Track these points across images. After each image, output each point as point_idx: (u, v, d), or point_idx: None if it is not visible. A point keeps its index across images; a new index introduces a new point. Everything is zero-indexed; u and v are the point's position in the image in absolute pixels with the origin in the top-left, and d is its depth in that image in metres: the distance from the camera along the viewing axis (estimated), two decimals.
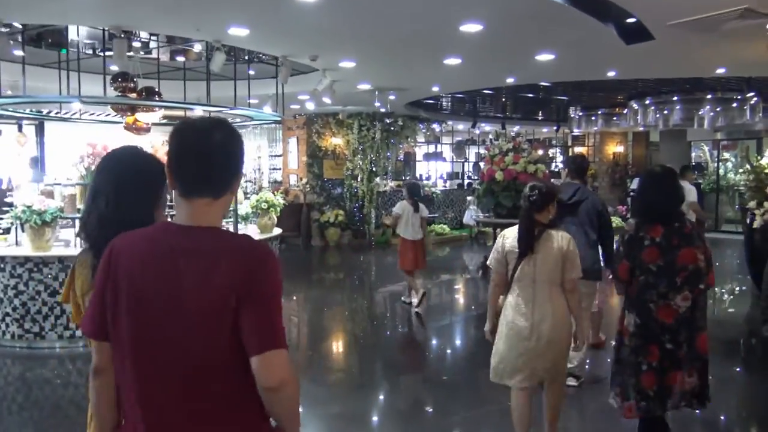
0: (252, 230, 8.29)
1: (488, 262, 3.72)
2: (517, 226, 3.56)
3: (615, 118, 14.93)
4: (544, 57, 7.49)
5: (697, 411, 3.57)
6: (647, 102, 11.76)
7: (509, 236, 3.57)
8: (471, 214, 15.03)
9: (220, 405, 1.51)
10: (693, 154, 19.56)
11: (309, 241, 14.51)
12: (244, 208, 8.18)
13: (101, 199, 2.00)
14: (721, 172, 18.40)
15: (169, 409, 1.52)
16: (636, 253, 3.24)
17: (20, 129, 15.55)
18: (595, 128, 15.54)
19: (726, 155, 18.94)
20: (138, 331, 1.52)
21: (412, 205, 7.88)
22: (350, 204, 14.90)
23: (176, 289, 1.49)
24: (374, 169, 14.75)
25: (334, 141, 14.81)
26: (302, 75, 9.43)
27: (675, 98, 11.31)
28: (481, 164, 11.25)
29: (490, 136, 13.57)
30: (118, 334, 1.55)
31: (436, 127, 17.24)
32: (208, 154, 1.55)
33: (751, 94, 11.09)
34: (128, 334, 1.52)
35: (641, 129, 17.98)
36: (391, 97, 10.93)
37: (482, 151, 15.13)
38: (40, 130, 15.86)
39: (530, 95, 12.22)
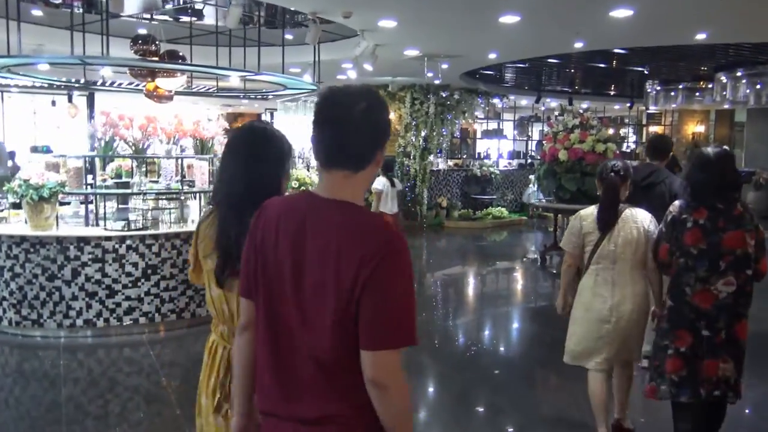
0: None
1: (561, 244, 3.74)
2: (593, 207, 3.54)
3: (697, 94, 13.38)
4: (621, 13, 6.28)
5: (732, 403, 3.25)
6: (738, 74, 10.25)
7: (587, 218, 3.52)
8: (532, 193, 13.89)
9: (334, 384, 1.48)
10: None
11: None
12: None
13: (232, 170, 2.07)
14: None
15: (289, 377, 1.51)
16: (678, 234, 3.12)
17: (70, 99, 15.35)
18: (674, 105, 13.98)
19: None
20: (267, 299, 1.55)
21: (388, 180, 8.37)
22: (402, 183, 13.99)
23: (299, 263, 1.48)
24: (428, 146, 13.77)
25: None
26: (345, 40, 8.54)
27: None
28: (543, 143, 10.09)
29: (556, 113, 12.31)
30: (257, 297, 1.59)
31: (497, 101, 16.04)
32: (346, 124, 1.48)
33: None
34: (261, 300, 1.57)
35: (727, 106, 16.30)
36: (444, 66, 9.88)
37: (546, 128, 13.90)
38: (90, 102, 15.63)
39: (602, 65, 10.87)
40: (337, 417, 1.47)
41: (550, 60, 10.40)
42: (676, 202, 3.22)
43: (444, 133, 13.93)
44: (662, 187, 4.44)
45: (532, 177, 14.57)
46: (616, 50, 9.31)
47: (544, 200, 10.27)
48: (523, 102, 17.24)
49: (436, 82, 12.67)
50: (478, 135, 18.63)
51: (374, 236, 1.44)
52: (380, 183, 8.21)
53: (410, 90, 13.28)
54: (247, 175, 2.01)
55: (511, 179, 16.31)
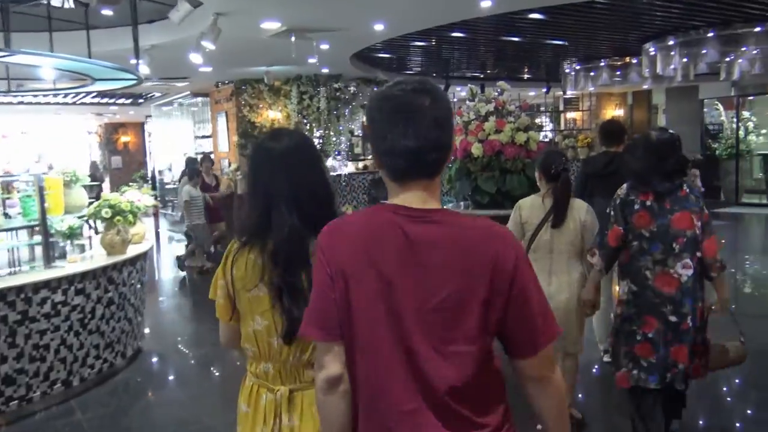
0: (95, 252, 5.35)
1: None
2: (532, 197, 3.62)
3: (618, 72, 11.99)
4: None
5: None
6: (671, 42, 8.78)
7: (525, 207, 3.60)
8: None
9: (465, 406, 1.35)
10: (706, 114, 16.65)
11: None
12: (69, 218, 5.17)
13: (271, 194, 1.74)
14: (740, 134, 15.72)
15: (422, 411, 1.34)
16: (627, 216, 3.11)
17: None
18: (592, 88, 12.57)
19: (746, 114, 16.12)
20: (384, 326, 1.34)
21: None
22: None
23: (417, 286, 1.32)
24: (324, 147, 11.76)
25: (271, 114, 11.78)
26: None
27: (710, 34, 8.33)
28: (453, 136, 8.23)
29: (466, 100, 10.56)
30: (357, 333, 1.37)
31: None
32: (416, 127, 1.33)
33: None
34: (373, 331, 1.35)
35: (646, 87, 15.20)
36: (324, 47, 7.89)
37: (456, 118, 12.12)
38: None
39: (515, 39, 9.16)
40: None
41: (455, 35, 8.58)
42: (623, 185, 3.20)
43: (341, 130, 11.96)
44: (624, 175, 4.14)
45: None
46: (532, 16, 7.56)
47: (462, 206, 8.44)
48: None
49: (324, 70, 10.66)
50: None
51: (495, 239, 1.35)
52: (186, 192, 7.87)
53: (296, 82, 11.22)
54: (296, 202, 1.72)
55: None
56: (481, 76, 13.26)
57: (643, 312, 3.09)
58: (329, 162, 12.17)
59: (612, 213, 3.18)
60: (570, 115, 18.33)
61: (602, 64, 11.33)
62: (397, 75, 12.53)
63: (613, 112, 17.11)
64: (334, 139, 11.90)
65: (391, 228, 1.35)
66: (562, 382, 1.46)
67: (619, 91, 16.49)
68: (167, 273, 10.51)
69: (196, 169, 9.26)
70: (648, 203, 3.07)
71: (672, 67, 9.43)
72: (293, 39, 6.81)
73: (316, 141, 11.70)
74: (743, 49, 9.20)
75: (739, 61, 9.98)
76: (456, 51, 10.62)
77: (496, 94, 8.25)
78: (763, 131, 16.06)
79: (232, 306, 1.81)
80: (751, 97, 15.88)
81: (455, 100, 16.30)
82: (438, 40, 9.16)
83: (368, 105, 1.41)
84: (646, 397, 3.18)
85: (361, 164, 14.63)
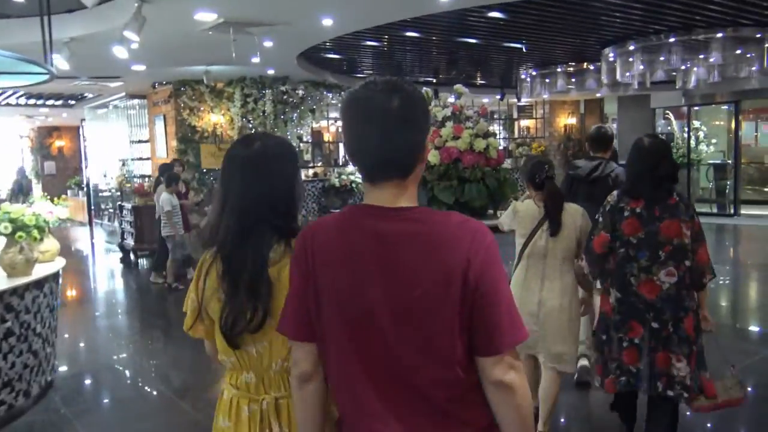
0: None
1: (498, 221, 3.74)
2: (528, 202, 3.57)
3: (573, 79, 11.75)
4: None
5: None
6: (631, 48, 8.49)
7: (521, 210, 3.55)
8: None
9: (451, 404, 1.35)
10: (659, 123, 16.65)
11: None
12: None
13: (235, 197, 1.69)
14: (692, 144, 15.75)
15: (399, 409, 1.34)
16: (617, 224, 3.11)
17: None
18: (546, 95, 12.29)
19: (696, 124, 16.18)
20: (359, 326, 1.35)
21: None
22: None
23: (395, 278, 1.31)
24: None
25: (213, 118, 11.04)
26: (109, 2, 5.69)
27: (671, 39, 8.07)
28: None
29: None
30: (331, 332, 1.39)
31: None
32: (383, 127, 1.32)
33: None
34: (347, 331, 1.36)
35: (600, 95, 15.07)
36: (268, 44, 7.26)
37: None
38: None
39: (471, 41, 8.71)
40: None
41: (408, 34, 8.08)
42: (614, 192, 3.21)
43: (289, 136, 11.31)
44: (609, 180, 4.29)
45: None
46: (491, 14, 7.11)
47: None
48: None
49: (270, 71, 10.01)
50: (335, 138, 16.19)
51: (467, 235, 1.32)
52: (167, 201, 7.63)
53: (239, 84, 10.53)
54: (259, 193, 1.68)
55: None
56: (434, 80, 12.82)
57: (627, 318, 3.10)
58: None
59: (600, 219, 3.17)
60: (524, 122, 18.13)
61: (559, 69, 11.04)
62: (347, 78, 11.97)
63: (566, 120, 16.98)
64: None
65: (362, 228, 1.35)
66: (527, 395, 1.38)
67: (572, 99, 16.34)
68: (103, 287, 9.71)
69: (175, 175, 8.60)
70: (638, 210, 3.06)
71: (628, 74, 9.18)
72: (232, 34, 6.15)
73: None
74: (701, 56, 9.03)
75: (695, 69, 9.84)
76: (408, 53, 10.14)
77: (453, 98, 7.76)
78: (713, 141, 16.16)
79: (195, 318, 1.77)
80: (696, 108, 15.94)
81: None
82: (390, 41, 8.64)
83: (341, 105, 1.40)
84: (631, 403, 3.30)
85: (311, 172, 14.02)
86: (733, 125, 16.12)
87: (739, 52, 8.61)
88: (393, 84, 1.34)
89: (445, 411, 1.33)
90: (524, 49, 9.17)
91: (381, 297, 1.31)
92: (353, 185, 12.90)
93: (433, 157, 6.49)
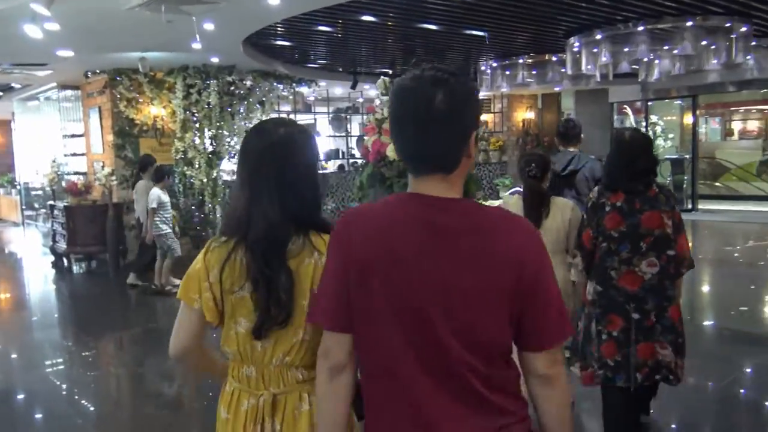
0: None
1: None
2: (517, 197, 3.68)
3: (533, 72, 11.35)
4: None
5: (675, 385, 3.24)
6: (598, 36, 8.09)
7: (511, 206, 3.62)
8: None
9: (496, 395, 1.35)
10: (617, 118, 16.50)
11: (122, 258, 9.91)
12: None
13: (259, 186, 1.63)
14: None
15: (445, 399, 1.33)
16: (599, 219, 3.14)
17: None
18: (506, 88, 11.85)
19: (654, 118, 16.10)
20: (407, 317, 1.32)
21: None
22: (185, 200, 10.43)
23: (447, 270, 1.30)
24: (216, 149, 10.34)
25: (153, 110, 10.21)
26: None
27: (639, 28, 7.69)
28: (365, 137, 7.10)
29: (378, 92, 9.42)
30: (376, 322, 1.35)
31: (305, 90, 12.98)
32: (426, 122, 1.29)
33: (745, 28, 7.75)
34: (395, 321, 1.33)
35: (558, 89, 14.77)
36: (209, 27, 6.56)
37: (367, 118, 10.98)
38: None
39: (431, 27, 8.15)
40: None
41: (364, 18, 7.48)
42: (596, 188, 3.24)
43: (236, 129, 10.56)
44: (584, 173, 4.34)
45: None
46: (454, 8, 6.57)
47: None
48: (338, 91, 14.36)
49: (214, 60, 9.28)
50: None
51: (518, 230, 1.36)
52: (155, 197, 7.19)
53: (181, 73, 9.74)
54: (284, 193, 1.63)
55: (330, 184, 13.44)
56: (391, 72, 12.25)
57: (607, 311, 3.11)
58: (223, 165, 10.76)
59: (584, 215, 3.24)
60: (482, 117, 17.75)
61: (520, 61, 10.62)
62: (299, 68, 11.30)
63: (524, 114, 16.67)
64: (228, 139, 10.49)
65: (412, 217, 1.34)
66: (568, 388, 1.42)
67: (530, 94, 16.04)
68: (37, 292, 8.88)
69: (165, 168, 7.95)
70: (618, 204, 3.08)
71: (590, 66, 8.79)
72: (165, 13, 5.44)
73: (206, 143, 10.27)
74: (665, 47, 8.72)
75: (656, 62, 9.56)
76: (364, 42, 9.53)
77: None
78: (671, 136, 16.10)
79: (215, 310, 1.68)
80: (650, 102, 15.86)
81: (362, 99, 15.29)
82: (344, 26, 8.03)
83: (389, 92, 1.42)
84: (615, 394, 3.19)
85: None
86: (687, 120, 16.16)
87: (704, 43, 8.33)
88: (439, 76, 1.29)
89: (490, 402, 1.33)
90: (486, 39, 8.67)
91: (431, 288, 1.30)
92: None
93: (391, 151, 5.94)
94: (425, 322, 1.29)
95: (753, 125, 18.84)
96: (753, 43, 8.62)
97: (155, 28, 6.52)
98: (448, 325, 1.29)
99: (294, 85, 11.62)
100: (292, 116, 14.91)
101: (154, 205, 7.40)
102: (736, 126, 19.07)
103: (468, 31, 8.39)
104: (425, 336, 1.30)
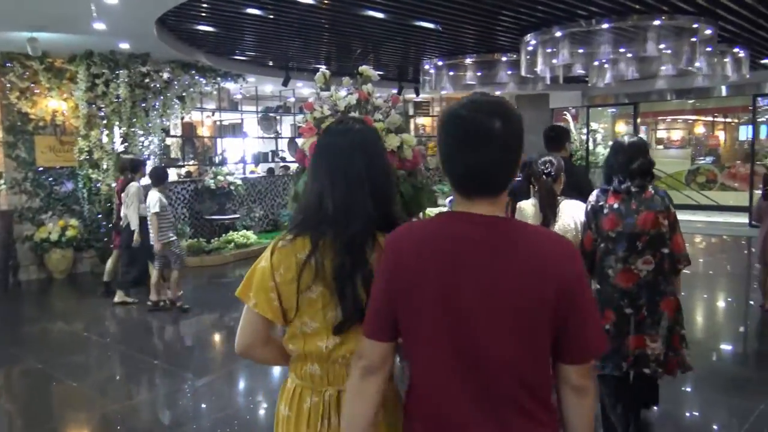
0: None
1: None
2: (532, 200, 3.67)
3: (479, 74, 10.66)
4: None
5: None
6: (558, 34, 7.40)
7: (525, 210, 3.63)
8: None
9: (534, 405, 1.41)
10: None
11: (13, 276, 8.49)
12: None
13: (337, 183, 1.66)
14: (590, 146, 15.35)
15: (487, 408, 1.40)
16: (598, 222, 3.26)
17: None
18: (450, 90, 11.12)
19: (594, 125, 15.82)
20: (454, 329, 1.39)
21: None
22: (90, 208, 9.10)
23: (490, 291, 1.37)
24: (127, 149, 9.06)
25: (52, 104, 8.83)
26: None
27: (605, 25, 7.05)
28: (300, 138, 6.08)
29: (318, 87, 8.38)
30: (423, 334, 1.43)
31: (232, 86, 11.81)
32: (484, 150, 1.37)
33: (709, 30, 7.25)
34: (441, 333, 1.40)
35: (506, 91, 14.20)
36: (110, 1, 5.39)
37: (303, 115, 9.84)
38: None
39: (373, 14, 7.18)
40: None
41: (300, 2, 6.48)
42: (595, 191, 3.34)
43: (151, 128, 9.31)
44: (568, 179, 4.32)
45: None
46: None
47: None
48: (268, 88, 13.23)
49: (124, 46, 8.04)
50: (208, 132, 14.21)
51: (561, 249, 1.41)
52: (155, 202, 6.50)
53: (85, 61, 8.42)
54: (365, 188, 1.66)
55: (258, 190, 12.33)
56: (326, 69, 11.27)
57: (603, 307, 3.20)
58: None
59: (585, 219, 3.36)
60: (419, 120, 17.02)
61: (468, 61, 9.86)
62: (225, 61, 10.14)
63: None
64: (142, 138, 9.23)
65: (461, 234, 1.39)
66: (595, 399, 1.47)
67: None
68: None
69: (162, 170, 7.09)
70: (615, 206, 3.21)
71: (542, 68, 8.14)
72: None
73: (114, 141, 8.97)
74: (621, 50, 8.18)
75: (606, 66, 9.05)
76: (297, 33, 8.48)
77: (355, 82, 6.19)
78: (610, 143, 15.89)
79: (283, 309, 1.69)
80: (584, 109, 15.61)
81: (293, 99, 14.20)
82: (276, 11, 7.00)
83: (438, 122, 1.47)
84: (607, 382, 3.30)
85: (183, 171, 12.01)
86: (625, 128, 16.00)
87: (662, 46, 7.83)
88: (495, 106, 1.38)
89: (529, 411, 1.38)
90: (438, 28, 7.81)
91: (478, 303, 1.35)
92: (232, 187, 11.08)
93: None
94: (470, 335, 1.36)
95: (679, 134, 19.07)
96: (708, 49, 8.19)
97: (46, 2, 5.31)
98: (492, 338, 1.35)
99: (219, 79, 10.44)
100: (216, 114, 13.69)
101: (157, 209, 6.57)
102: (665, 134, 19.20)
103: (417, 23, 7.50)
104: (469, 349, 1.36)
